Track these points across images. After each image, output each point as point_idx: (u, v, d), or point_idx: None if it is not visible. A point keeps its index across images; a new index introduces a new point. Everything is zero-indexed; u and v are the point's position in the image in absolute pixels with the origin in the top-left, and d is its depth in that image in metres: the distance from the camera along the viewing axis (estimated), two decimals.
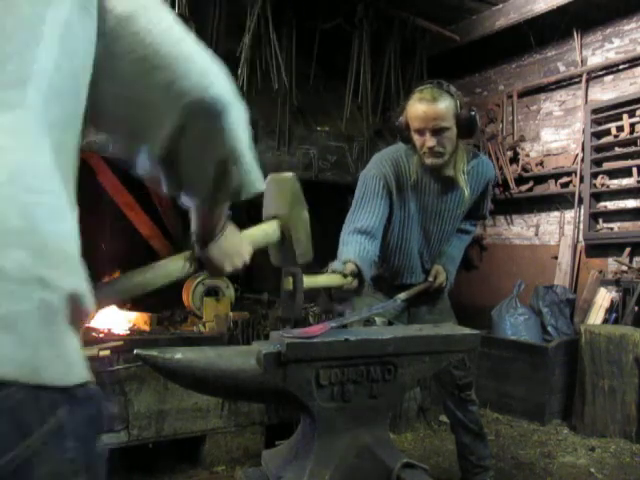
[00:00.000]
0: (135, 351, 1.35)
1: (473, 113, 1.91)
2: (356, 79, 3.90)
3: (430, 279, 2.15)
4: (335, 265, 1.75)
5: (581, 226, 4.23)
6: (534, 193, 4.58)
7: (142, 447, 2.71)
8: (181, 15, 3.02)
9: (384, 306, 1.96)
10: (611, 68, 4.14)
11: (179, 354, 1.35)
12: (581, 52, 4.32)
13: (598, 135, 4.14)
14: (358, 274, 1.74)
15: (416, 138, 1.94)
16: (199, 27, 3.12)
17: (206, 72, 0.74)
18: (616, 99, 4.02)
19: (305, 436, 1.53)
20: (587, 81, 4.26)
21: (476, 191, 2.14)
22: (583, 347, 3.46)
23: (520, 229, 4.81)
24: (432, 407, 3.64)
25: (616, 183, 4.07)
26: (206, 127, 0.77)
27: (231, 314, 3.09)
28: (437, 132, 1.88)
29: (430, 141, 1.88)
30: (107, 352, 2.17)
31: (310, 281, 1.56)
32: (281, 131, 3.70)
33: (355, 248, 1.86)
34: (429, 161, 1.94)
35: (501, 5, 4.24)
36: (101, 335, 2.89)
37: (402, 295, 1.98)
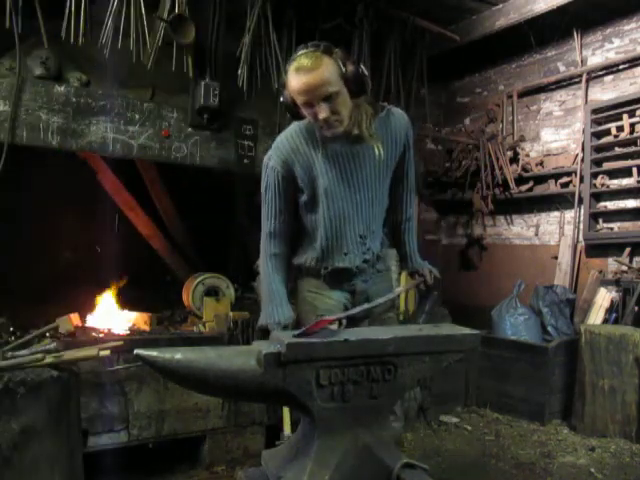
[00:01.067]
0: (135, 351, 1.35)
1: (360, 68, 1.73)
2: None
3: (419, 278, 2.01)
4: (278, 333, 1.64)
5: (581, 226, 4.23)
6: (534, 193, 4.57)
7: (142, 447, 2.71)
8: (181, 15, 3.02)
9: (384, 299, 1.85)
10: (611, 68, 4.14)
11: (179, 354, 1.35)
12: (581, 52, 4.32)
13: (598, 135, 4.13)
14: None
15: (307, 112, 1.75)
16: (199, 27, 3.12)
17: None
18: (616, 99, 4.01)
19: (305, 436, 1.53)
20: (587, 81, 4.26)
21: (393, 143, 1.92)
22: (583, 347, 3.46)
23: (520, 229, 4.81)
24: (432, 407, 3.64)
25: (616, 183, 4.06)
26: None
27: (231, 314, 3.09)
28: (327, 100, 1.68)
29: (322, 112, 1.69)
30: (107, 352, 2.16)
31: None
32: (281, 131, 3.68)
33: (279, 292, 1.90)
34: (328, 133, 1.78)
35: (501, 5, 4.23)
36: (101, 335, 2.90)
37: (399, 289, 1.97)
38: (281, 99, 1.84)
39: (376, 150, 1.87)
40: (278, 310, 1.88)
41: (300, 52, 1.69)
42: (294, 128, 1.94)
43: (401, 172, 2.01)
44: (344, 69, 1.70)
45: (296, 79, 1.68)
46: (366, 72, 1.77)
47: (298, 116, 1.84)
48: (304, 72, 1.65)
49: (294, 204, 1.94)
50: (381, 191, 1.97)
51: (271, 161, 1.92)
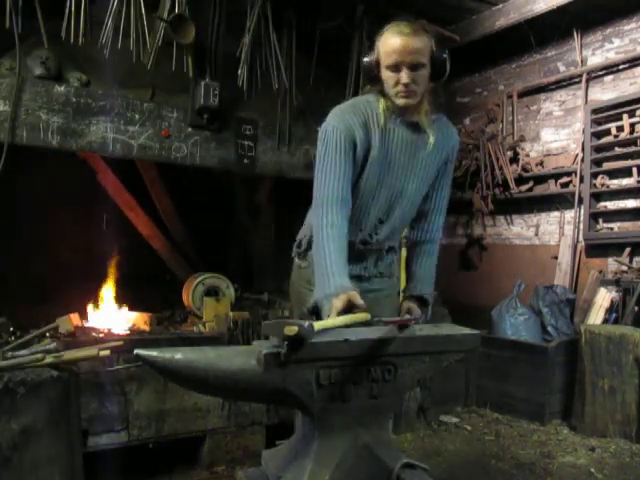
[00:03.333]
0: (135, 351, 1.35)
1: (446, 54, 1.79)
2: (356, 79, 3.89)
3: (406, 316, 1.86)
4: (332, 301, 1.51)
5: (581, 226, 4.23)
6: (534, 193, 4.57)
7: (142, 447, 2.72)
8: (181, 15, 3.02)
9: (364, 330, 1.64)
10: (611, 68, 4.14)
11: (179, 354, 1.35)
12: (581, 52, 4.32)
13: (598, 135, 4.14)
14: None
15: (389, 76, 1.76)
16: (199, 27, 3.12)
17: None
18: (616, 99, 4.02)
19: (305, 436, 1.53)
20: (587, 81, 4.26)
21: (440, 150, 1.90)
22: (583, 347, 3.46)
23: (520, 229, 4.81)
24: (432, 407, 3.64)
25: (616, 183, 4.06)
26: None
27: (231, 314, 3.09)
28: (414, 68, 1.73)
29: (406, 77, 1.72)
30: (107, 352, 2.16)
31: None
32: (281, 131, 3.69)
33: (334, 261, 1.65)
34: (402, 101, 1.77)
35: (501, 5, 4.23)
36: (101, 335, 2.90)
37: (384, 319, 1.67)
38: (363, 61, 1.87)
39: (430, 138, 1.85)
40: (330, 281, 1.62)
41: (400, 22, 1.78)
42: (355, 100, 1.92)
43: (435, 185, 1.97)
44: (435, 49, 1.77)
45: (395, 38, 1.74)
46: (448, 61, 1.80)
47: (375, 79, 1.83)
48: (405, 35, 1.73)
49: (353, 169, 1.82)
50: (416, 193, 1.90)
51: (330, 124, 1.84)
